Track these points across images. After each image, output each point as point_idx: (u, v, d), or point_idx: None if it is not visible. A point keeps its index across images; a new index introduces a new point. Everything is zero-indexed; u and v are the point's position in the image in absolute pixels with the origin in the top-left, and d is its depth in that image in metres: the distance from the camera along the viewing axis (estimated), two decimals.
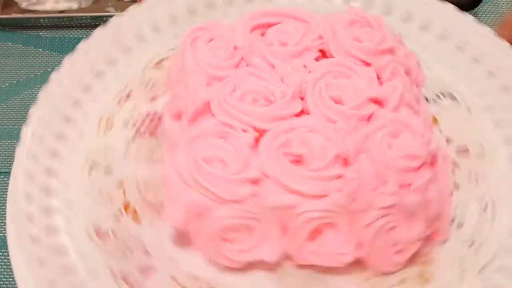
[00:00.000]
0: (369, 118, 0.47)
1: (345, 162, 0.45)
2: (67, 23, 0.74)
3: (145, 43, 0.60)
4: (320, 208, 0.44)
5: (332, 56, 0.51)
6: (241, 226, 0.45)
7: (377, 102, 0.48)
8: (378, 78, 0.49)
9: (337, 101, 0.47)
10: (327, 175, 0.44)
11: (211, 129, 0.46)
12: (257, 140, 0.46)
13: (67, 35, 0.74)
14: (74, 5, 0.74)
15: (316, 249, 0.46)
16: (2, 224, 0.57)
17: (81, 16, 0.73)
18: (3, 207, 0.51)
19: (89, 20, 0.73)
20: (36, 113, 0.54)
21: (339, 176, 0.44)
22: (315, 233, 0.45)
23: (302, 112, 0.47)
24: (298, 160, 0.45)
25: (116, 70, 0.58)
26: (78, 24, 0.74)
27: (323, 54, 0.51)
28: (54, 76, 0.56)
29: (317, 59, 0.51)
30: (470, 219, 0.49)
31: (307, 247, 0.46)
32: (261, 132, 0.46)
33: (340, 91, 0.48)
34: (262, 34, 0.52)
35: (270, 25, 0.52)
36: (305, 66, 0.49)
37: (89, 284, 0.46)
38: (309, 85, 0.48)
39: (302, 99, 0.48)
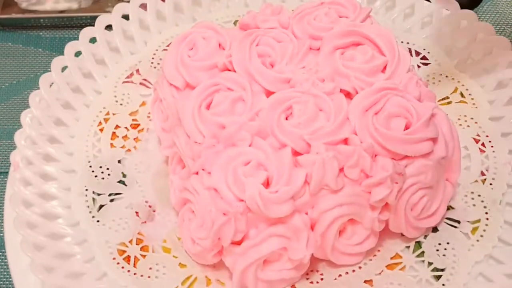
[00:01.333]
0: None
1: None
2: (67, 23, 0.74)
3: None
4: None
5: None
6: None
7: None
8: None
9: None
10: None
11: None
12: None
13: (67, 35, 0.74)
14: (74, 5, 0.74)
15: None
16: (2, 224, 0.57)
17: (81, 16, 0.73)
18: (3, 207, 0.51)
19: (89, 20, 0.73)
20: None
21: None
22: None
23: None
24: None
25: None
26: (78, 24, 0.74)
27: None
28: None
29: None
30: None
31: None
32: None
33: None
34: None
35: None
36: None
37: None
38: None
39: None
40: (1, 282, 0.56)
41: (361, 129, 0.46)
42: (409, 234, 0.48)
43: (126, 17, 0.63)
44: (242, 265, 0.45)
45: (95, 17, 0.64)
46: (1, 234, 0.58)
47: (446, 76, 0.60)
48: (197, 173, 0.46)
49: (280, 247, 0.45)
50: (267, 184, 0.45)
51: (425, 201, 0.47)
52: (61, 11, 0.74)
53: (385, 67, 0.50)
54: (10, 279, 0.55)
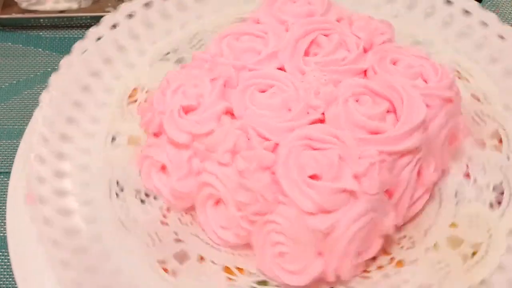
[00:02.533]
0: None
1: None
2: (67, 23, 0.74)
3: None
4: None
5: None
6: None
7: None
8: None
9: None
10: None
11: None
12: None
13: (67, 35, 0.74)
14: (74, 5, 0.74)
15: None
16: (2, 224, 0.57)
17: (81, 16, 0.73)
18: (3, 207, 0.51)
19: (89, 20, 0.73)
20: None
21: None
22: None
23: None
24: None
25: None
26: (78, 24, 0.74)
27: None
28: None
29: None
30: None
31: None
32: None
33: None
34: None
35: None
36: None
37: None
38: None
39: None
40: (1, 282, 0.56)
41: (282, 147, 0.45)
42: (259, 263, 0.46)
43: None
44: (143, 153, 0.50)
45: (95, 17, 0.65)
46: (1, 234, 0.58)
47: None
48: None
49: (164, 163, 0.48)
50: (190, 110, 0.48)
51: (282, 249, 0.44)
52: (61, 11, 0.73)
53: (376, 132, 0.46)
54: (11, 279, 0.55)
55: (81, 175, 0.51)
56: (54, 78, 0.54)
